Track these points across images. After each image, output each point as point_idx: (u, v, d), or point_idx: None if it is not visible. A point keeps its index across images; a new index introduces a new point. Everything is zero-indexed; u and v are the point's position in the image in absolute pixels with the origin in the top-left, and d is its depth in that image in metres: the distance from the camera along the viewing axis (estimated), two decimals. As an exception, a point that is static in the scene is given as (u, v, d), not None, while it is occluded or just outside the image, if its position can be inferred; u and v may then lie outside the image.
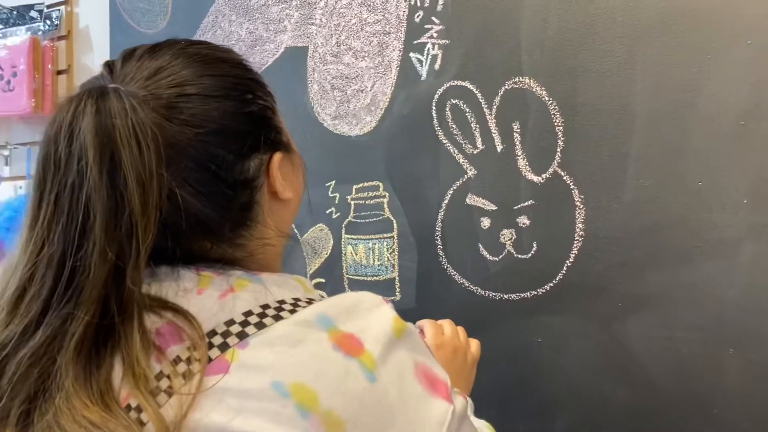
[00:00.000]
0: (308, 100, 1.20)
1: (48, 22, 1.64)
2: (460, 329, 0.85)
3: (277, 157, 0.57)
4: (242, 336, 0.48)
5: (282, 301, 0.51)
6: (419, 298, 1.08)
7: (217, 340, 0.48)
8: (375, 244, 1.12)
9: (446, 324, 0.84)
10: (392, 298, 1.10)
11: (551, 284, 0.96)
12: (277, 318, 0.50)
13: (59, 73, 1.64)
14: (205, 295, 0.50)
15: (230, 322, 0.49)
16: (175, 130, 0.51)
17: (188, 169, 0.51)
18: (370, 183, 1.13)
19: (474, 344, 0.85)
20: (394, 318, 0.51)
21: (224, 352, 0.47)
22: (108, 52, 1.53)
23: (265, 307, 0.50)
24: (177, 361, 0.47)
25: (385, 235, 1.12)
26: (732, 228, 0.84)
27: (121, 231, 0.47)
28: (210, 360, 0.47)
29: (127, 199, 0.47)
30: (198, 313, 0.49)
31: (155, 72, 0.53)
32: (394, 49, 1.10)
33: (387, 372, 0.48)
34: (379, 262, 1.12)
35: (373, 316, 0.50)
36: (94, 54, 1.59)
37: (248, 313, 0.50)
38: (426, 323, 0.84)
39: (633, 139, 0.90)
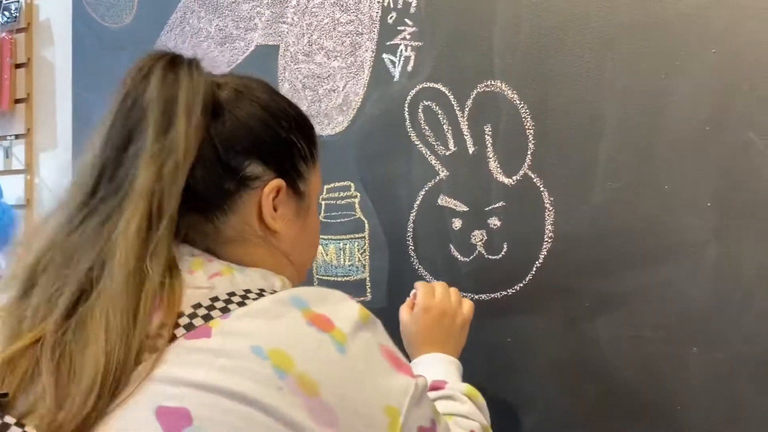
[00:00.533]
0: (279, 99, 1.19)
1: (6, 13, 1.59)
2: (453, 290, 0.91)
3: (277, 182, 0.63)
4: (225, 310, 0.54)
5: (263, 290, 0.57)
6: (390, 298, 1.08)
7: (202, 311, 0.53)
8: (346, 244, 1.12)
9: (438, 286, 0.91)
10: (363, 298, 1.10)
11: (521, 284, 0.98)
12: (257, 300, 0.55)
13: (18, 66, 1.59)
14: (196, 275, 0.57)
15: (215, 299, 0.55)
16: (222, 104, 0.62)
17: (207, 139, 0.60)
18: (342, 183, 1.13)
19: (467, 305, 0.91)
20: (360, 308, 0.57)
21: (208, 322, 0.53)
22: (70, 46, 1.49)
23: (248, 291, 0.56)
24: (161, 326, 0.53)
25: (357, 235, 1.11)
26: (697, 230, 0.87)
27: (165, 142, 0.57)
28: (194, 327, 0.52)
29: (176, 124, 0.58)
30: (187, 289, 0.55)
31: (239, 78, 0.66)
32: (366, 50, 1.11)
33: (356, 346, 0.54)
34: (350, 263, 1.12)
35: (342, 305, 0.57)
36: (55, 47, 1.55)
37: (232, 294, 0.55)
38: (420, 285, 0.91)
39: (602, 143, 0.92)
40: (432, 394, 0.77)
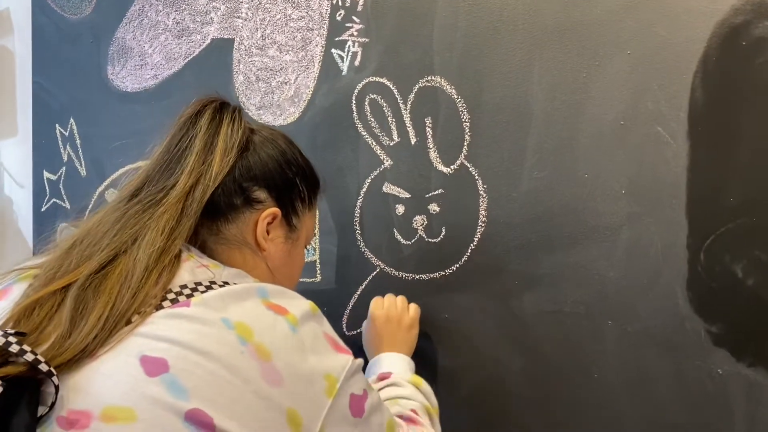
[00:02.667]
0: (234, 90, 1.25)
1: (-35, 2, 1.61)
2: (400, 298, 1.07)
3: (273, 210, 0.77)
4: (204, 292, 0.65)
5: (236, 283, 0.68)
6: (338, 279, 1.16)
7: (186, 291, 0.65)
8: (297, 228, 1.19)
9: (387, 297, 1.07)
10: (313, 279, 1.17)
11: (457, 265, 1.06)
12: (232, 286, 0.67)
13: (-23, 55, 1.62)
14: (189, 263, 0.69)
15: (198, 284, 0.66)
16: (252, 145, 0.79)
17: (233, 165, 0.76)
18: (293, 171, 1.20)
19: (412, 308, 1.06)
20: (311, 303, 0.69)
21: (189, 298, 0.63)
22: (29, 36, 1.52)
23: (225, 282, 0.67)
24: (154, 296, 0.65)
25: (307, 220, 1.18)
26: (612, 216, 0.96)
27: (204, 164, 0.74)
28: (178, 301, 0.63)
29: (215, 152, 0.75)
30: (178, 274, 0.67)
31: (270, 129, 0.83)
32: (316, 45, 1.17)
33: (305, 329, 0.66)
34: (301, 246, 1.19)
35: (296, 300, 0.69)
36: (14, 37, 1.58)
37: (213, 282, 0.67)
38: (373, 300, 1.06)
39: (530, 136, 1.01)
40: (379, 384, 0.93)
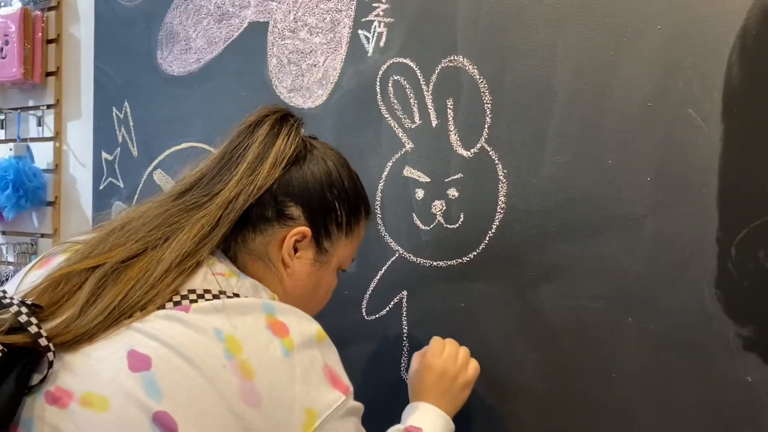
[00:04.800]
0: (267, 73, 1.26)
1: (40, -7, 1.71)
2: (463, 351, 0.96)
3: (302, 229, 0.76)
4: (209, 300, 0.66)
5: (247, 296, 0.69)
6: (359, 264, 1.14)
7: (193, 296, 0.66)
8: (322, 211, 1.18)
9: (448, 344, 0.96)
10: (335, 263, 1.16)
11: (475, 253, 1.02)
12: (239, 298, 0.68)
13: (49, 42, 1.71)
14: (206, 269, 0.69)
15: (207, 291, 0.67)
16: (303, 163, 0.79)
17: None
18: (320, 154, 1.19)
19: (471, 367, 0.95)
20: (318, 328, 0.68)
21: (192, 303, 0.65)
22: (92, 23, 1.59)
23: (236, 294, 0.68)
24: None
25: (331, 203, 1.17)
26: (636, 204, 0.89)
27: (252, 175, 0.75)
28: (180, 305, 0.65)
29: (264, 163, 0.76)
30: (192, 278, 0.68)
31: (328, 148, 0.83)
32: (344, 26, 1.15)
33: (300, 357, 0.64)
34: (324, 229, 1.18)
35: (304, 322, 0.68)
36: (80, 24, 1.66)
37: (222, 292, 0.67)
38: (433, 340, 0.97)
39: (552, 118, 0.95)
40: None
